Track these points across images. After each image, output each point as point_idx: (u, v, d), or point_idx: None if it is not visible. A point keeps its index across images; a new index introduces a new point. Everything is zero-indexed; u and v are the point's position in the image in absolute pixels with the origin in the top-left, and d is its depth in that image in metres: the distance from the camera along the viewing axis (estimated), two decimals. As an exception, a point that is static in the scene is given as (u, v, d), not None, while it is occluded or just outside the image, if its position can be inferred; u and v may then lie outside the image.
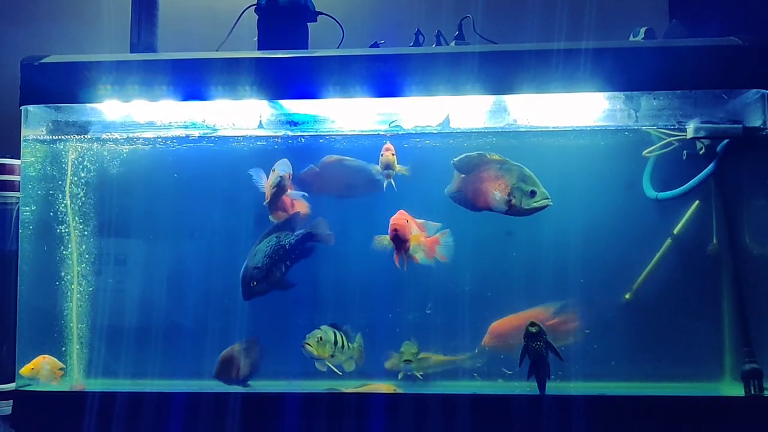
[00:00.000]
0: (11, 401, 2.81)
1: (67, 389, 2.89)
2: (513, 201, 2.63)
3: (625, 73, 2.60)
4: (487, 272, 2.99)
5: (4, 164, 3.19)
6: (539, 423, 2.56)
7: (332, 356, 2.76)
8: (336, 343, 2.77)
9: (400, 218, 2.62)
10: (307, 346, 2.72)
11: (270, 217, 2.86)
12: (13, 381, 2.87)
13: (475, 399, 2.62)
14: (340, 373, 2.80)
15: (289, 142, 2.98)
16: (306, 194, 2.93)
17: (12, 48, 3.53)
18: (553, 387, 2.59)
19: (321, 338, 2.74)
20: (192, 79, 2.74)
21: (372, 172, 2.87)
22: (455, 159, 2.75)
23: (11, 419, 2.76)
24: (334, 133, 2.96)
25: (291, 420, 2.66)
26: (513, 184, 2.64)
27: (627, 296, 2.93)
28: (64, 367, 2.90)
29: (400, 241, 2.59)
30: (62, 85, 2.77)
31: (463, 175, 2.75)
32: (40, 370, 2.84)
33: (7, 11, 3.81)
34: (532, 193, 2.62)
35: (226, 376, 2.81)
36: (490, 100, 2.79)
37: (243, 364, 2.82)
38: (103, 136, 3.01)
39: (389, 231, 2.61)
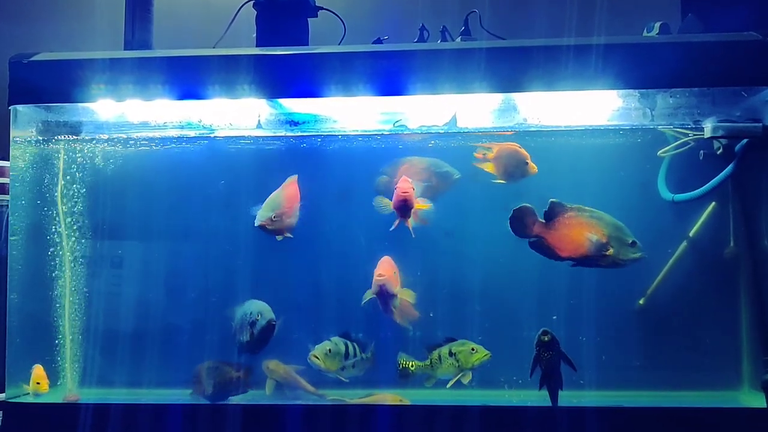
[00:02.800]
0: (0, 412, 2.72)
1: (60, 400, 2.79)
2: (610, 252, 2.54)
3: (638, 69, 2.51)
4: (491, 272, 2.92)
5: (-6, 166, 3.11)
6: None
7: (342, 369, 2.66)
8: (347, 355, 2.66)
9: (407, 185, 2.56)
10: (314, 359, 2.63)
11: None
12: (3, 391, 2.78)
13: (484, 411, 2.54)
14: (347, 380, 2.72)
15: (292, 141, 2.93)
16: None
17: (1, 45, 3.44)
18: (565, 396, 2.50)
19: (330, 350, 2.63)
20: (188, 78, 2.66)
21: (443, 165, 2.82)
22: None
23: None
24: (336, 133, 2.89)
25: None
26: (610, 234, 2.55)
27: (641, 302, 2.85)
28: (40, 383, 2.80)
29: (406, 208, 2.54)
30: (53, 84, 2.69)
31: (541, 221, 2.62)
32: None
33: (-4, 7, 3.74)
34: (633, 244, 2.55)
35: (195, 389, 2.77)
36: (498, 98, 2.70)
37: (206, 383, 2.73)
38: (96, 136, 2.94)
39: (396, 198, 2.55)
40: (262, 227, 2.69)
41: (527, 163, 2.72)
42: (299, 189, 2.82)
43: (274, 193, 2.77)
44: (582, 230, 2.56)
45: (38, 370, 2.79)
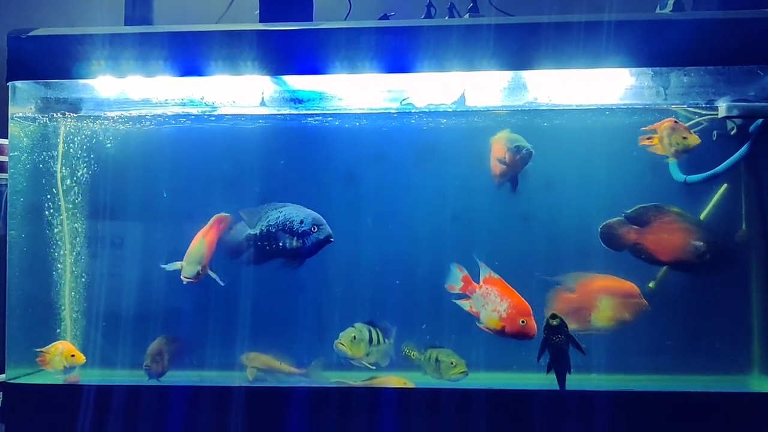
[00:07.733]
0: (0, 393, 2.70)
1: (60, 382, 2.77)
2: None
3: (651, 47, 2.46)
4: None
5: (-8, 144, 3.08)
6: (558, 419, 2.46)
7: (367, 355, 2.67)
8: (371, 341, 2.67)
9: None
10: (340, 346, 2.64)
11: None
12: (2, 372, 2.76)
13: (490, 394, 2.51)
14: (373, 367, 2.71)
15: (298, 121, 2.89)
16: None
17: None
18: (574, 380, 2.47)
19: (355, 337, 2.64)
20: (190, 54, 2.62)
21: (515, 140, 2.72)
22: (628, 211, 2.63)
23: (0, 412, 2.64)
24: (341, 112, 2.85)
25: (298, 414, 2.55)
26: (709, 239, 2.57)
27: (650, 285, 2.80)
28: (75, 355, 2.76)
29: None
30: (52, 60, 2.65)
31: (635, 227, 2.62)
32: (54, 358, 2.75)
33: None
34: None
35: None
36: (507, 76, 2.66)
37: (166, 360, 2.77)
38: (96, 114, 2.91)
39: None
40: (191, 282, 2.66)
41: (692, 134, 2.63)
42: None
43: (195, 240, 2.72)
44: (680, 235, 2.59)
45: (67, 345, 2.76)
